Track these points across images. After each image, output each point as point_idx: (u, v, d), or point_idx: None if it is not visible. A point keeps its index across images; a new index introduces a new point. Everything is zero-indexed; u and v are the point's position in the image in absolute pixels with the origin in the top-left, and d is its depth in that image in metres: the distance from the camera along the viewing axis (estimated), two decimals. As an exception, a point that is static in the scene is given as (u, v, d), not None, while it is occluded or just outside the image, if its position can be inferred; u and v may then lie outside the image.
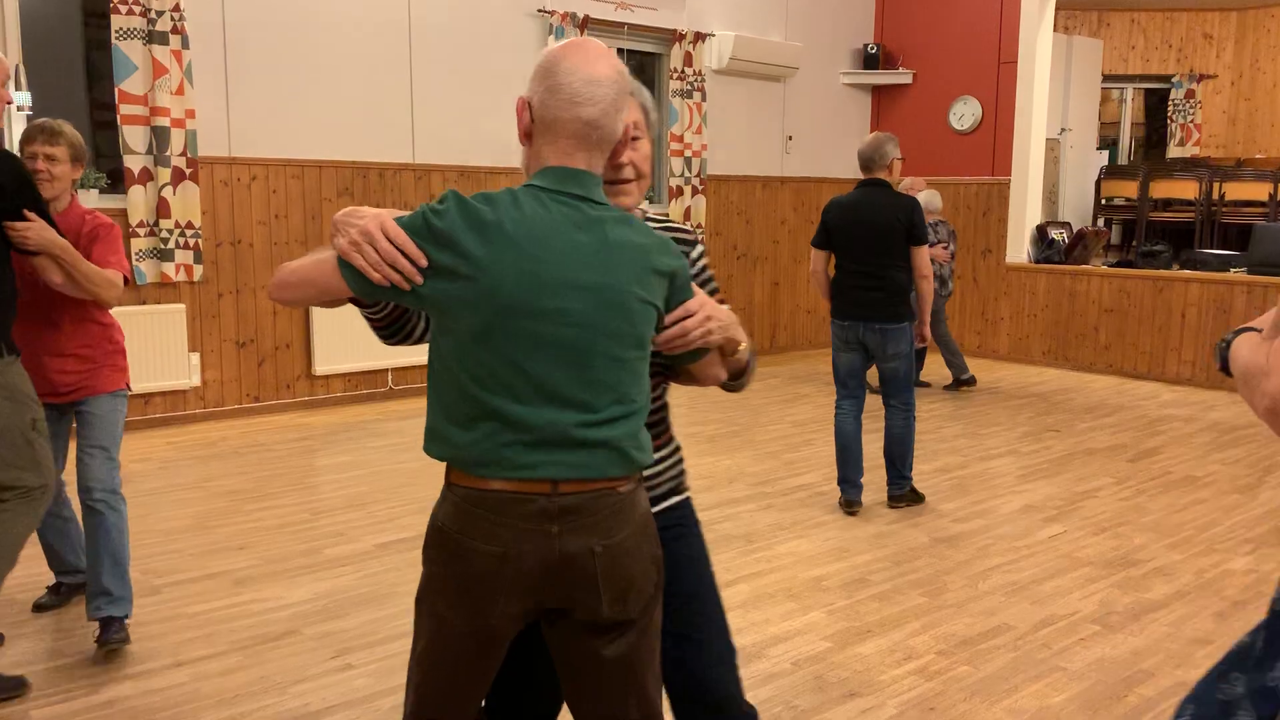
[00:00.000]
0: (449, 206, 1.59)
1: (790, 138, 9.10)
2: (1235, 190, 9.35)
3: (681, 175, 8.20)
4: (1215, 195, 9.26)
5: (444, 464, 1.69)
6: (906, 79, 9.40)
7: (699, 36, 8.24)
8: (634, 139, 1.82)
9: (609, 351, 1.62)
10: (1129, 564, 4.16)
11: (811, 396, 7.41)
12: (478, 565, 1.62)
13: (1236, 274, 7.85)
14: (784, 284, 9.23)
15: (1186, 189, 9.49)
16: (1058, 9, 10.22)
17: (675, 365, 1.83)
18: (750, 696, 3.03)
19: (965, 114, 9.10)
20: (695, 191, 8.22)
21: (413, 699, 1.76)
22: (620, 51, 8.13)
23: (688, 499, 2.01)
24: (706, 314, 1.73)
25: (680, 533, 1.95)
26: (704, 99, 8.28)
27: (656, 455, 1.91)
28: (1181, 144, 11.95)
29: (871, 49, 9.44)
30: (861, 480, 4.82)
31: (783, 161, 9.01)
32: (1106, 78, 11.75)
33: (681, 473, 2.01)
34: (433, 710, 1.75)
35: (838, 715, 2.94)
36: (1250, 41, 11.91)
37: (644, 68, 8.57)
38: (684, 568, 1.94)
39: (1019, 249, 8.85)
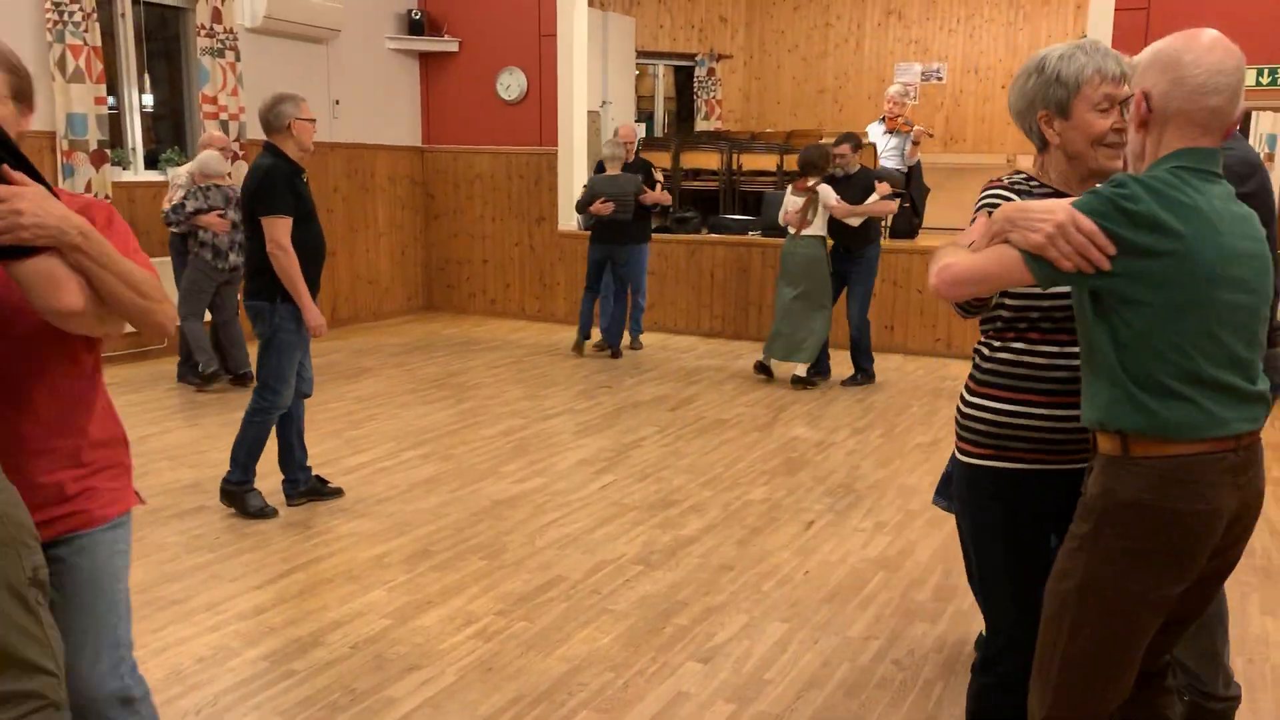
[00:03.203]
0: (1138, 191, 1.71)
1: (337, 102, 8.79)
2: (751, 161, 10.43)
3: (219, 141, 7.61)
4: (734, 166, 10.29)
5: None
6: (453, 47, 9.44)
7: (229, -9, 7.66)
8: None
9: (1264, 312, 1.81)
10: (668, 505, 4.53)
11: (375, 370, 7.27)
12: (1191, 526, 1.74)
13: (753, 236, 8.80)
14: (341, 253, 8.94)
15: (711, 160, 10.45)
16: (593, -14, 10.76)
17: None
18: (306, 685, 2.92)
19: (512, 84, 9.31)
20: (235, 157, 7.68)
21: (1072, 697, 1.86)
22: (135, 2, 7.35)
23: None
24: None
25: None
26: (238, 59, 7.73)
27: None
28: (707, 118, 13.17)
29: (416, 15, 9.35)
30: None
31: (331, 126, 8.69)
32: (640, 54, 12.60)
33: None
34: (1104, 695, 1.86)
35: (398, 691, 2.92)
36: (759, 26, 13.36)
37: (166, 23, 7.82)
38: None
39: (569, 217, 9.26)
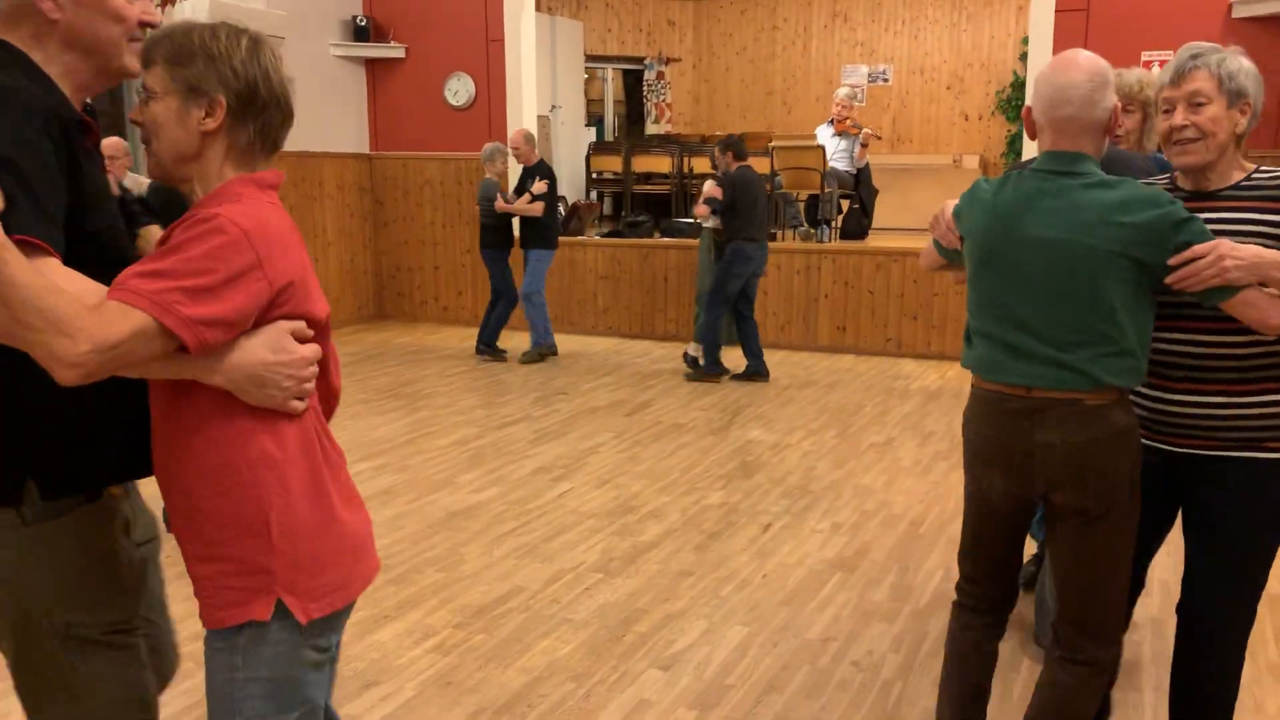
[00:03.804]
0: (969, 189, 2.30)
1: (283, 111, 8.68)
2: (702, 164, 10.46)
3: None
4: (685, 169, 10.32)
5: None
6: (400, 53, 9.36)
7: (167, 0, 7.53)
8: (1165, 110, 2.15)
9: (1064, 288, 2.06)
10: (626, 511, 4.53)
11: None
12: (976, 444, 2.28)
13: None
14: (290, 265, 8.83)
15: (662, 163, 10.48)
16: (540, -9, 10.74)
17: (1206, 303, 2.05)
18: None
19: (460, 90, 9.26)
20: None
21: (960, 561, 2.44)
22: (73, 11, 7.20)
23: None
24: (1220, 254, 1.95)
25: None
26: (181, 68, 7.61)
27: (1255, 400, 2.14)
28: (657, 121, 13.20)
29: (361, 21, 9.27)
30: None
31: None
32: (589, 58, 12.60)
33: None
34: (970, 562, 2.41)
35: (356, 708, 2.88)
36: (706, 29, 13.42)
37: (105, 31, 7.68)
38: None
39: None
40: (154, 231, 1.75)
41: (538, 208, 7.54)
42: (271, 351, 1.45)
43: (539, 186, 7.53)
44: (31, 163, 1.38)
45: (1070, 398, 2.09)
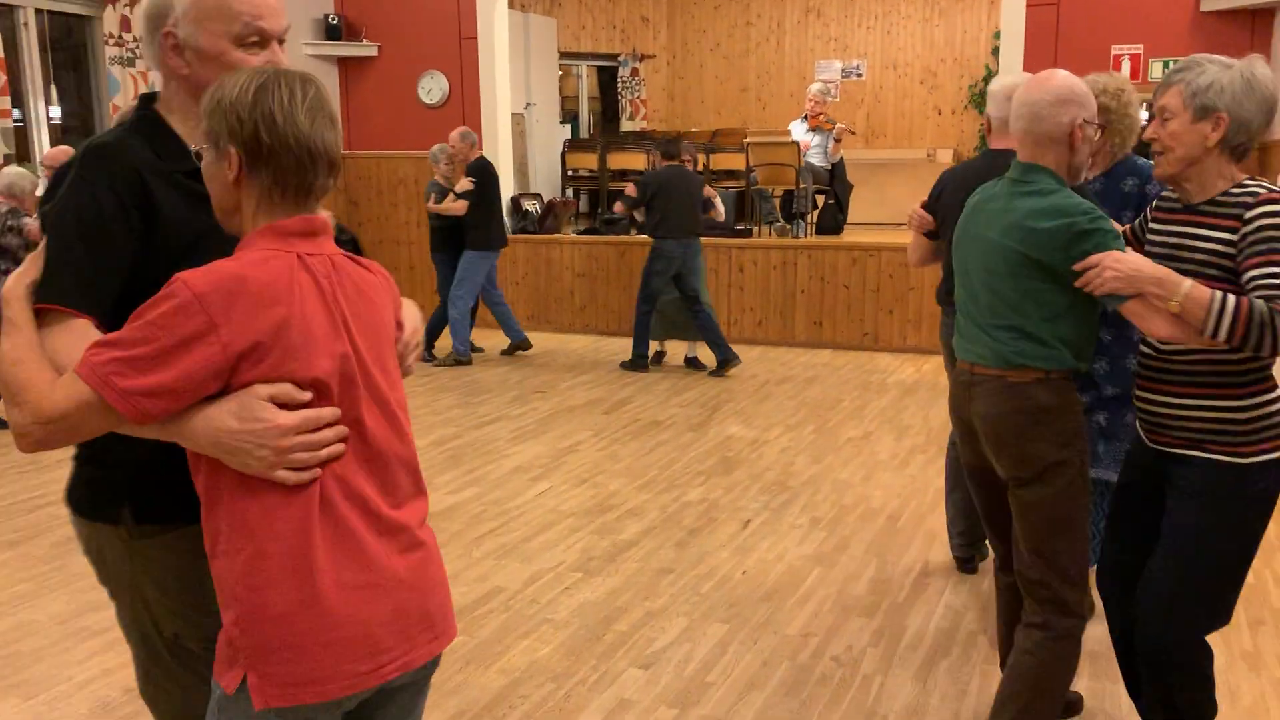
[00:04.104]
0: None
1: (255, 111, 8.61)
2: (677, 160, 10.47)
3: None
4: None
5: None
6: (372, 52, 9.31)
7: (136, -1, 7.46)
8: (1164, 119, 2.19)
9: (995, 286, 2.35)
10: (606, 509, 4.52)
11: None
12: (950, 411, 2.59)
13: (681, 235, 8.82)
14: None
15: (637, 160, 10.45)
16: (513, -12, 10.70)
17: (1108, 308, 2.23)
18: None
19: (433, 88, 9.22)
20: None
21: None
22: (39, 12, 7.12)
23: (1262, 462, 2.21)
24: (1104, 265, 2.12)
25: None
26: (149, 68, 7.53)
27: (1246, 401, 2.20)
28: (632, 118, 13.17)
29: (333, 20, 9.21)
30: None
31: (249, 136, 8.51)
32: (563, 55, 12.55)
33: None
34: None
35: (336, 714, 2.86)
36: (680, 25, 13.41)
37: (72, 32, 7.59)
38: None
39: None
40: None
41: (460, 206, 7.37)
42: (238, 420, 1.35)
43: (463, 184, 7.41)
44: (78, 225, 1.51)
45: (994, 374, 2.37)
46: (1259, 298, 2.02)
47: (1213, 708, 2.39)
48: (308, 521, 1.39)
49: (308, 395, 1.39)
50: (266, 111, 1.42)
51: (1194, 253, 2.19)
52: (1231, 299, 2.03)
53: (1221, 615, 2.30)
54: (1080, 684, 2.94)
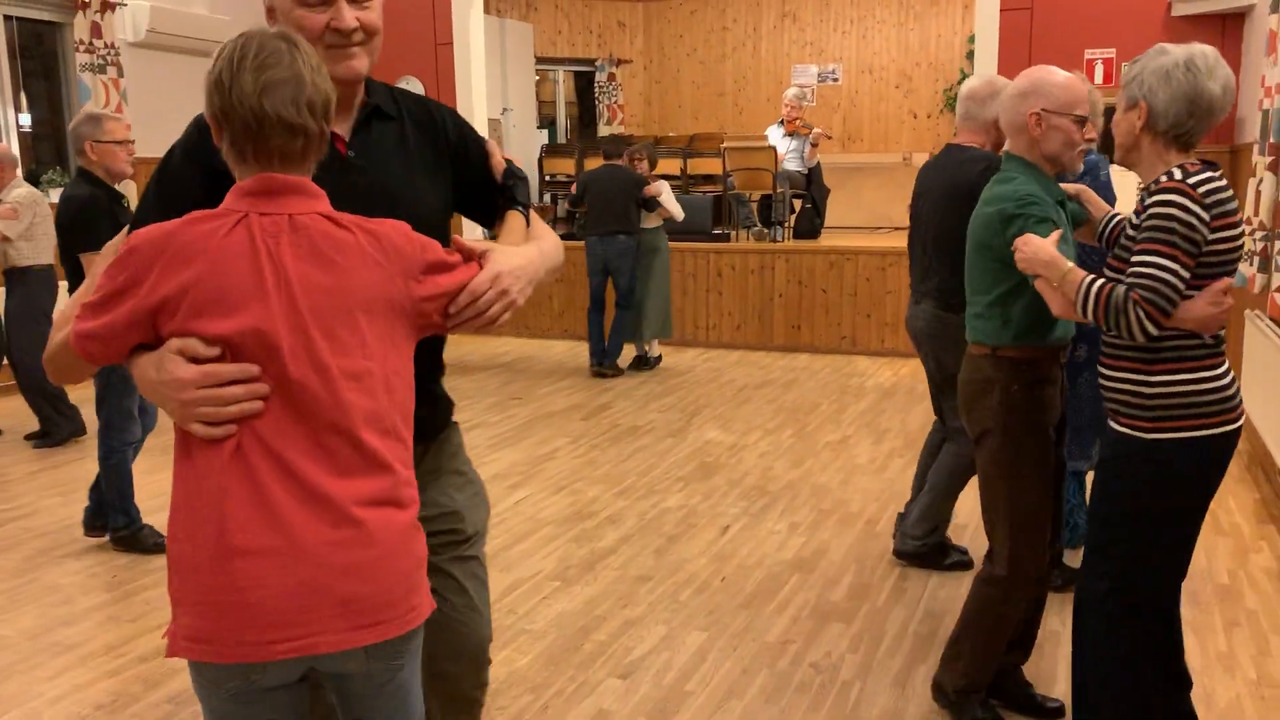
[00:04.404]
0: None
1: (229, 118, 8.55)
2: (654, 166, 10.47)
3: (103, 160, 7.33)
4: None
5: None
6: (348, 58, 9.25)
7: (107, 5, 7.38)
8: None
9: (972, 259, 2.62)
10: (584, 517, 4.50)
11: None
12: None
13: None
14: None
15: (614, 164, 10.44)
16: (488, -7, 10.67)
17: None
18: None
19: (410, 94, 9.17)
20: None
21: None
22: (8, 19, 7.04)
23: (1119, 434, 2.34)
24: (1018, 247, 2.38)
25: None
26: (121, 74, 7.47)
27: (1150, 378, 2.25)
28: (609, 123, 13.16)
29: (308, 26, 9.15)
30: None
31: (223, 143, 8.45)
32: (539, 60, 12.55)
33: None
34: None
35: (311, 728, 2.83)
36: (656, 30, 13.41)
37: (42, 39, 7.52)
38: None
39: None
40: (512, 218, 1.84)
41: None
42: (155, 370, 1.41)
43: None
44: (156, 185, 1.69)
45: (970, 346, 2.67)
46: (1126, 284, 2.15)
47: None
48: (223, 478, 1.38)
49: (213, 351, 1.39)
50: (216, 78, 1.44)
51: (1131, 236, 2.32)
52: (1097, 284, 2.18)
53: (1124, 590, 2.33)
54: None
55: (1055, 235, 2.32)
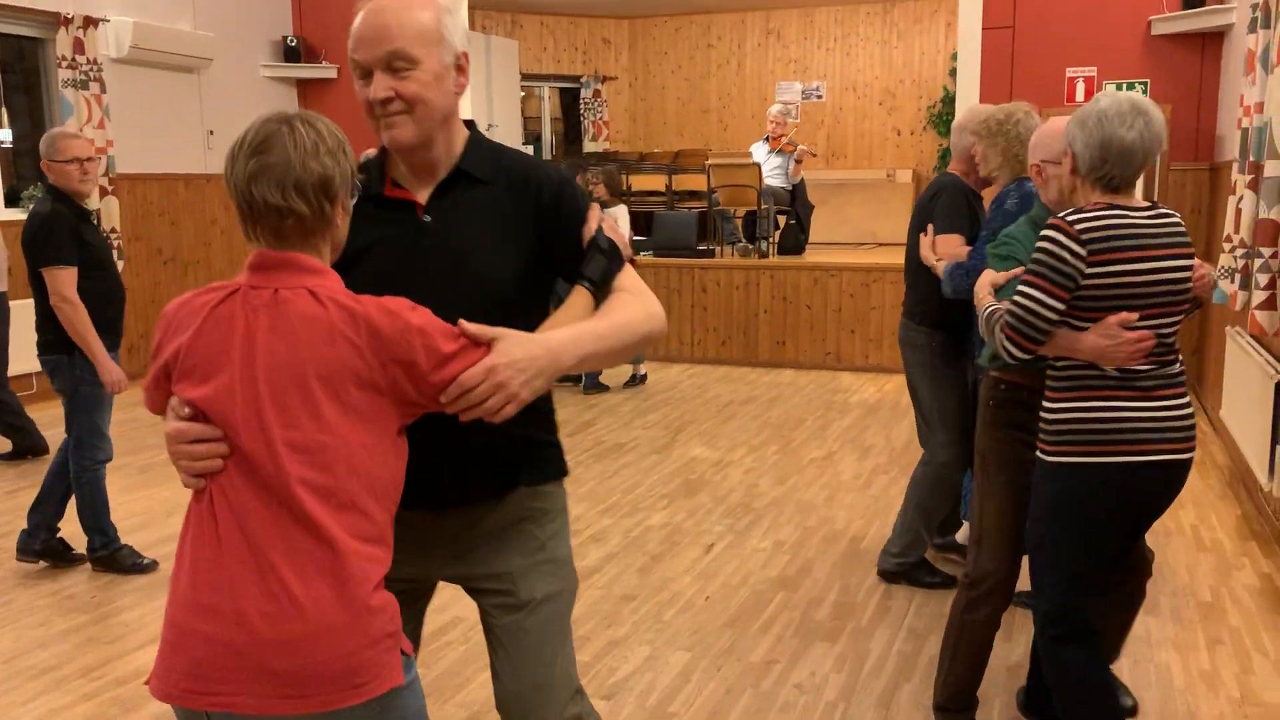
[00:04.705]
0: None
1: (212, 132, 8.52)
2: (640, 182, 10.49)
3: (85, 176, 7.29)
4: (625, 186, 10.31)
5: None
6: (332, 73, 9.25)
7: (90, 21, 7.36)
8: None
9: None
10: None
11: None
12: None
13: (644, 257, 8.83)
14: (222, 290, 8.65)
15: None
16: (472, 8, 10.69)
17: None
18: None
19: (394, 110, 9.17)
20: (105, 192, 7.37)
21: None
22: (-11, 34, 7.00)
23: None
24: None
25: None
26: (103, 90, 7.43)
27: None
28: (595, 139, 13.19)
29: (291, 41, 9.14)
30: None
31: (206, 158, 8.42)
32: (525, 76, 12.57)
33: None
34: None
35: (290, 752, 2.79)
36: (641, 47, 13.46)
37: (24, 54, 7.48)
38: None
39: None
40: (576, 294, 1.73)
41: None
42: (168, 424, 1.55)
43: None
44: None
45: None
46: (1002, 312, 2.35)
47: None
48: (198, 527, 1.50)
49: (185, 411, 1.50)
50: (230, 159, 1.53)
51: None
52: (993, 309, 2.40)
53: (1045, 595, 2.46)
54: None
55: (1013, 272, 2.47)
